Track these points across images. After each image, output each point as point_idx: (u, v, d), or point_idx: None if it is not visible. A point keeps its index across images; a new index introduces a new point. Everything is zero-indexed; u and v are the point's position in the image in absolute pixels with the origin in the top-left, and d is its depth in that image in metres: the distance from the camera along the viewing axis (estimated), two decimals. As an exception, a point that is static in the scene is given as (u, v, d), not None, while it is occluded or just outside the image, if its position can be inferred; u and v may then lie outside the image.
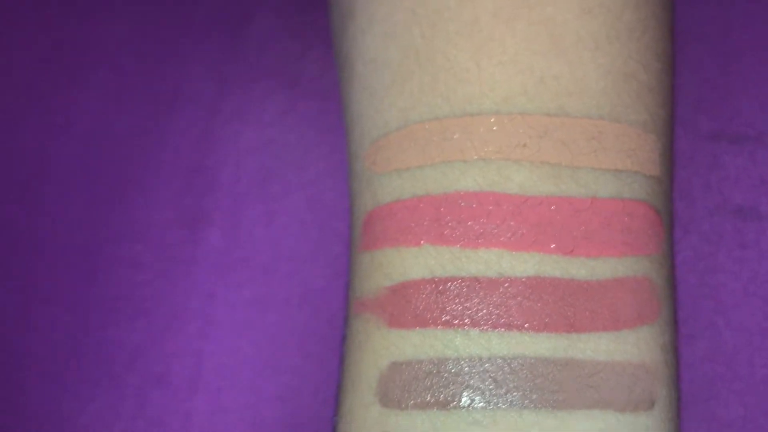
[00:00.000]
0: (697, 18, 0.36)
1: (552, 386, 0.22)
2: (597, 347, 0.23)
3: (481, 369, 0.22)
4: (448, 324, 0.23)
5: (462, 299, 0.23)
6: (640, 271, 0.24)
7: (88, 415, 0.37)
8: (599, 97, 0.25)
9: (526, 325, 0.23)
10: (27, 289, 0.39)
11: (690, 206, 0.35)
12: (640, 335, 0.24)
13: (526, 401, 0.22)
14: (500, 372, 0.22)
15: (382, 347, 0.24)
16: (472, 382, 0.22)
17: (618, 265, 0.24)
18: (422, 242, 0.24)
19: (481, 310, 0.23)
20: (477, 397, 0.22)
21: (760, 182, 0.35)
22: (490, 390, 0.22)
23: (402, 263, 0.24)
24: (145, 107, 0.40)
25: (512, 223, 0.23)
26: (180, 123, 0.39)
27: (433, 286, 0.23)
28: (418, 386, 0.23)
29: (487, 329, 0.23)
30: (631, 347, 0.23)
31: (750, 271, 0.34)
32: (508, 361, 0.22)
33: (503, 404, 0.22)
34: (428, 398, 0.23)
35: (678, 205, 0.35)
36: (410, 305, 0.23)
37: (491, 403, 0.22)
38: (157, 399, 0.37)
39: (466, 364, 0.22)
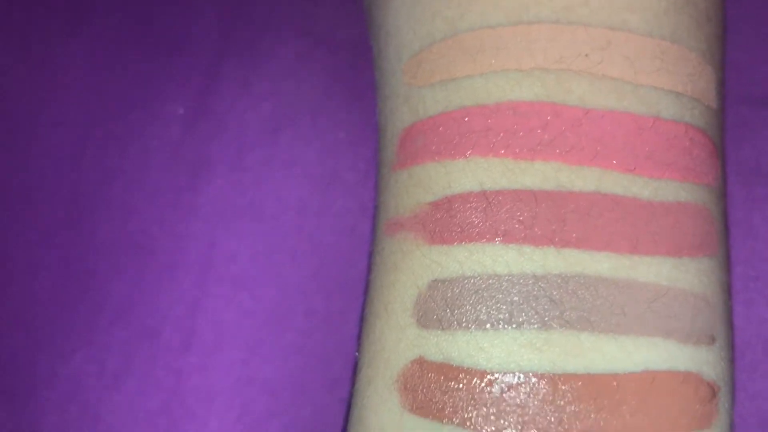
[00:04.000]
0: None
1: (613, 309, 0.20)
2: (659, 272, 0.21)
3: (536, 287, 0.20)
4: (499, 238, 0.21)
5: (515, 213, 0.21)
6: (701, 200, 0.22)
7: (71, 368, 0.34)
8: (661, 17, 0.23)
9: (586, 243, 0.21)
10: (11, 232, 0.36)
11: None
12: (701, 266, 0.22)
13: (584, 323, 0.20)
14: (557, 291, 0.20)
15: (421, 266, 0.22)
16: (525, 300, 0.20)
17: (680, 190, 0.22)
18: (469, 153, 0.22)
19: (537, 224, 0.21)
20: (530, 317, 0.20)
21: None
22: (545, 309, 0.20)
23: (446, 177, 0.22)
24: (148, 49, 0.37)
25: (571, 135, 0.21)
26: (185, 66, 0.37)
27: (483, 198, 0.21)
28: (463, 305, 0.21)
29: (543, 245, 0.21)
30: (692, 277, 0.21)
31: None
32: (566, 279, 0.20)
33: (559, 325, 0.20)
34: (474, 317, 0.20)
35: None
36: (455, 220, 0.21)
37: (546, 324, 0.20)
38: (146, 355, 0.34)
39: (518, 282, 0.20)
